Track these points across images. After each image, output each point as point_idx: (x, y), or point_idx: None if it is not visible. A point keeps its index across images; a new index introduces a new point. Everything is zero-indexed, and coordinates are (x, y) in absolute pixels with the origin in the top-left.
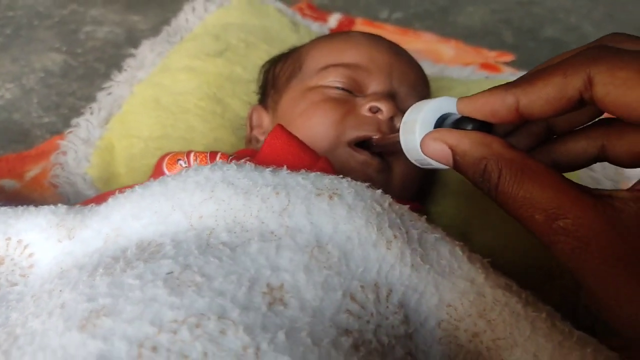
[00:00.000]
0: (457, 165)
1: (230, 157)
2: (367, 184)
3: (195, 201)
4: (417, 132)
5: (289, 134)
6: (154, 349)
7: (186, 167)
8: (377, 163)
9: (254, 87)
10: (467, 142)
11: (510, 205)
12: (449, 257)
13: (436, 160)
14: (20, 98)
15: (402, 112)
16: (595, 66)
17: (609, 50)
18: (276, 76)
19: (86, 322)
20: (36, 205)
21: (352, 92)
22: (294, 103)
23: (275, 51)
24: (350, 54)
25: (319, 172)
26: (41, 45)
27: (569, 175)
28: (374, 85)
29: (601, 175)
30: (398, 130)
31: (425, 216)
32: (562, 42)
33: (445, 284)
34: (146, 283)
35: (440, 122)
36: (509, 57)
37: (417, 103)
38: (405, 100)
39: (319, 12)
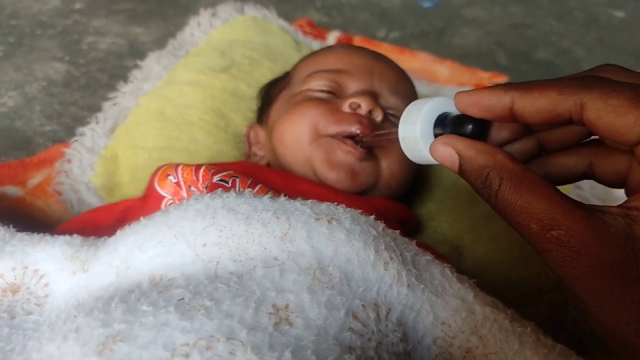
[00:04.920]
0: (461, 170)
1: (213, 171)
2: (360, 210)
3: (197, 229)
4: (419, 122)
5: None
6: None
7: (175, 182)
8: (361, 152)
9: (256, 104)
10: (473, 149)
11: (509, 213)
12: (441, 278)
13: (443, 164)
14: (23, 106)
15: (383, 108)
16: (589, 93)
17: (602, 80)
18: (270, 95)
19: (103, 348)
20: (40, 214)
21: (335, 93)
22: (280, 109)
23: (278, 69)
24: (331, 61)
25: (315, 200)
26: (44, 55)
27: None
28: (355, 85)
29: (589, 195)
30: (379, 125)
31: (415, 240)
32: (554, 64)
33: (439, 303)
34: (159, 309)
35: (440, 121)
36: (503, 78)
37: (416, 101)
38: (387, 99)
39: (318, 30)
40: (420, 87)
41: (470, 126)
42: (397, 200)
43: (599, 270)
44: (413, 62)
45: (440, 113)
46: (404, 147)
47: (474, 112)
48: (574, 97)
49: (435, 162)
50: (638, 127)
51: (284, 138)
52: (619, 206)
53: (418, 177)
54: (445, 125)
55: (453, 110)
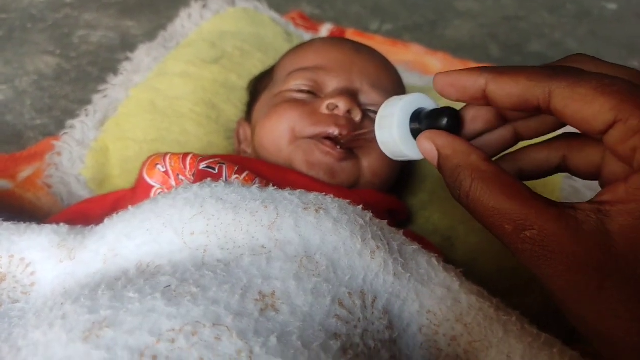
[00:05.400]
0: (439, 167)
1: (200, 158)
2: (348, 200)
3: (185, 217)
4: (395, 125)
5: None
6: (154, 357)
7: (164, 171)
8: (340, 152)
9: (247, 95)
10: (450, 149)
11: (482, 214)
12: (427, 267)
13: (426, 158)
14: (13, 100)
15: (362, 106)
16: (558, 81)
17: (571, 69)
18: (256, 91)
19: (89, 333)
20: (30, 206)
21: (315, 93)
22: (261, 109)
23: (269, 60)
24: (311, 58)
25: (303, 190)
26: (34, 48)
27: (545, 182)
28: (333, 83)
29: (581, 185)
30: (358, 124)
31: (403, 230)
32: (546, 56)
33: (424, 292)
34: (145, 296)
35: (415, 116)
36: None
37: (392, 98)
38: (368, 94)
39: (311, 23)
40: (413, 79)
41: (445, 120)
42: (388, 192)
43: (574, 267)
44: (406, 54)
45: (416, 109)
46: (384, 149)
47: (450, 92)
48: (543, 85)
49: (415, 158)
50: (604, 114)
51: (263, 141)
52: (590, 202)
53: (409, 168)
54: (421, 120)
55: (426, 104)
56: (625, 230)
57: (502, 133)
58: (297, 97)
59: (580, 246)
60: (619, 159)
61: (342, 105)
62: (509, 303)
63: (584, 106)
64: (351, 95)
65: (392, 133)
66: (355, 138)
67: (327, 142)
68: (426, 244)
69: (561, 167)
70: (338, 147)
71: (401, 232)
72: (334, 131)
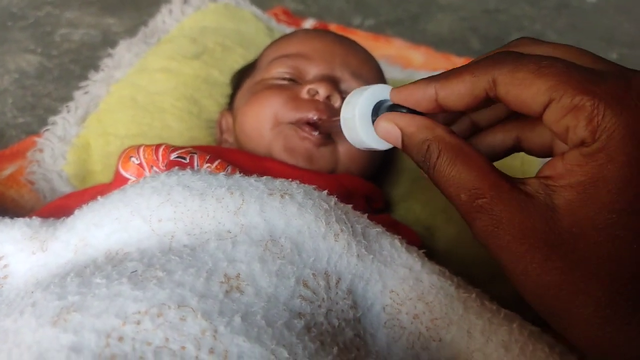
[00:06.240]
0: (404, 145)
1: (172, 148)
2: (314, 186)
3: (152, 205)
4: (357, 116)
5: None
6: (120, 338)
7: (138, 164)
8: (318, 138)
9: (229, 90)
10: (414, 125)
11: (443, 184)
12: (390, 248)
13: (387, 140)
14: None
15: (342, 93)
16: (499, 69)
17: (511, 54)
18: (239, 81)
19: (58, 318)
20: (12, 204)
21: (296, 80)
22: (243, 96)
23: (251, 55)
24: (293, 46)
25: (269, 177)
26: (15, 46)
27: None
28: (315, 70)
29: None
30: (337, 110)
31: (367, 214)
32: None
33: (387, 272)
34: (112, 281)
35: (377, 108)
36: None
37: (356, 89)
38: (349, 83)
39: (294, 18)
40: (394, 72)
41: (404, 110)
42: (368, 180)
43: (519, 238)
44: (388, 48)
45: (380, 100)
46: (344, 129)
47: (407, 106)
48: (487, 76)
49: (372, 147)
50: (540, 96)
51: (244, 127)
52: (536, 177)
53: (391, 158)
54: (380, 113)
55: (389, 97)
56: (569, 205)
57: (460, 126)
58: (278, 84)
59: (528, 218)
60: (556, 137)
61: (322, 90)
62: (488, 290)
63: (523, 90)
64: (332, 82)
65: (355, 123)
66: (333, 123)
67: (306, 128)
68: (406, 232)
69: (516, 147)
70: (317, 132)
71: (365, 215)
72: (314, 115)
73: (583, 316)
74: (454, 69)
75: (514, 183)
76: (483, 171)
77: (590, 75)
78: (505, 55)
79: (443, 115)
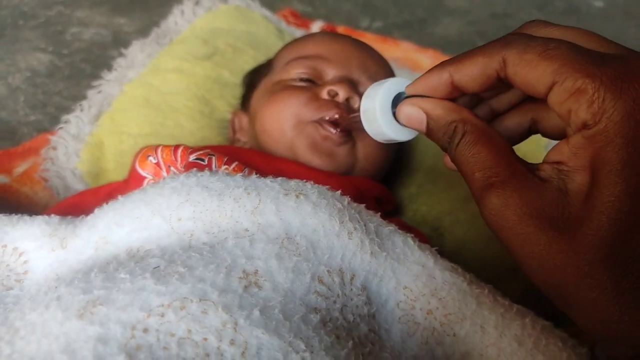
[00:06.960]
0: (428, 129)
1: (190, 150)
2: (327, 186)
3: (172, 205)
4: (377, 107)
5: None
6: (145, 330)
7: (155, 163)
8: (338, 136)
9: (240, 91)
10: (440, 107)
11: (462, 162)
12: (402, 246)
13: (410, 126)
14: (7, 96)
15: (361, 95)
16: (509, 49)
17: (521, 36)
18: (252, 82)
19: (84, 311)
20: (26, 200)
21: (314, 80)
22: (261, 97)
23: (261, 57)
24: (311, 47)
25: (284, 177)
26: (26, 45)
27: None
28: (333, 72)
29: None
30: (356, 111)
31: (380, 213)
32: None
33: (400, 269)
34: (136, 276)
35: (395, 100)
36: None
37: (374, 84)
38: (366, 86)
39: (302, 20)
40: (402, 75)
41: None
42: (379, 182)
43: (527, 219)
44: (396, 51)
45: (398, 92)
46: (364, 122)
47: (426, 94)
48: (498, 57)
49: (392, 139)
50: (545, 77)
51: (265, 126)
52: (547, 162)
53: (399, 161)
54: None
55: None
56: (580, 189)
57: (480, 113)
58: (298, 84)
59: (538, 200)
60: (561, 119)
61: (342, 92)
62: (495, 289)
63: (530, 71)
64: (351, 83)
65: (376, 115)
66: (353, 119)
67: (327, 126)
68: (416, 234)
69: (532, 130)
70: (338, 129)
71: (378, 214)
72: (335, 114)
73: (589, 299)
74: (467, 51)
75: (529, 167)
76: (501, 153)
77: (593, 58)
78: (516, 37)
79: (462, 101)
